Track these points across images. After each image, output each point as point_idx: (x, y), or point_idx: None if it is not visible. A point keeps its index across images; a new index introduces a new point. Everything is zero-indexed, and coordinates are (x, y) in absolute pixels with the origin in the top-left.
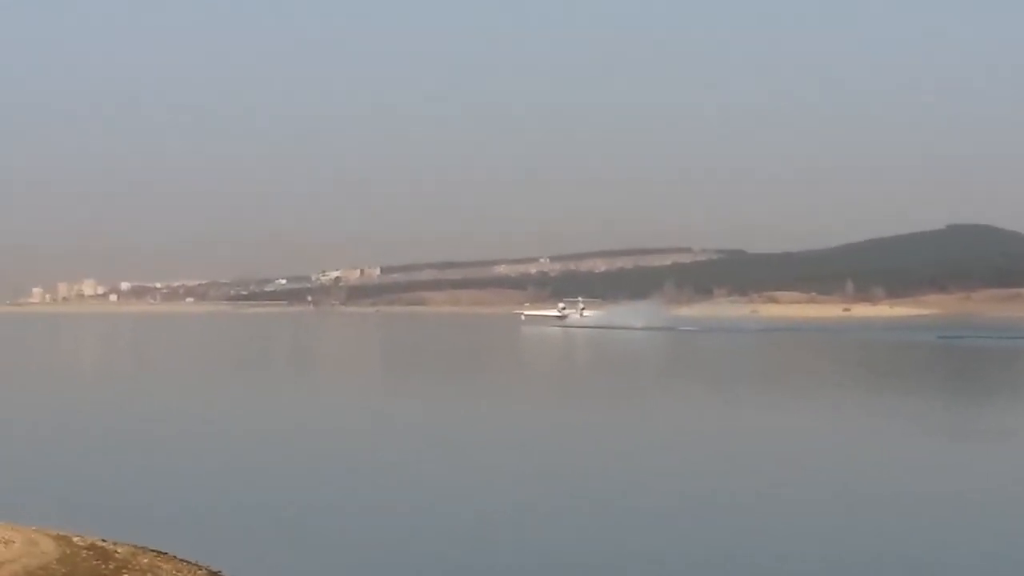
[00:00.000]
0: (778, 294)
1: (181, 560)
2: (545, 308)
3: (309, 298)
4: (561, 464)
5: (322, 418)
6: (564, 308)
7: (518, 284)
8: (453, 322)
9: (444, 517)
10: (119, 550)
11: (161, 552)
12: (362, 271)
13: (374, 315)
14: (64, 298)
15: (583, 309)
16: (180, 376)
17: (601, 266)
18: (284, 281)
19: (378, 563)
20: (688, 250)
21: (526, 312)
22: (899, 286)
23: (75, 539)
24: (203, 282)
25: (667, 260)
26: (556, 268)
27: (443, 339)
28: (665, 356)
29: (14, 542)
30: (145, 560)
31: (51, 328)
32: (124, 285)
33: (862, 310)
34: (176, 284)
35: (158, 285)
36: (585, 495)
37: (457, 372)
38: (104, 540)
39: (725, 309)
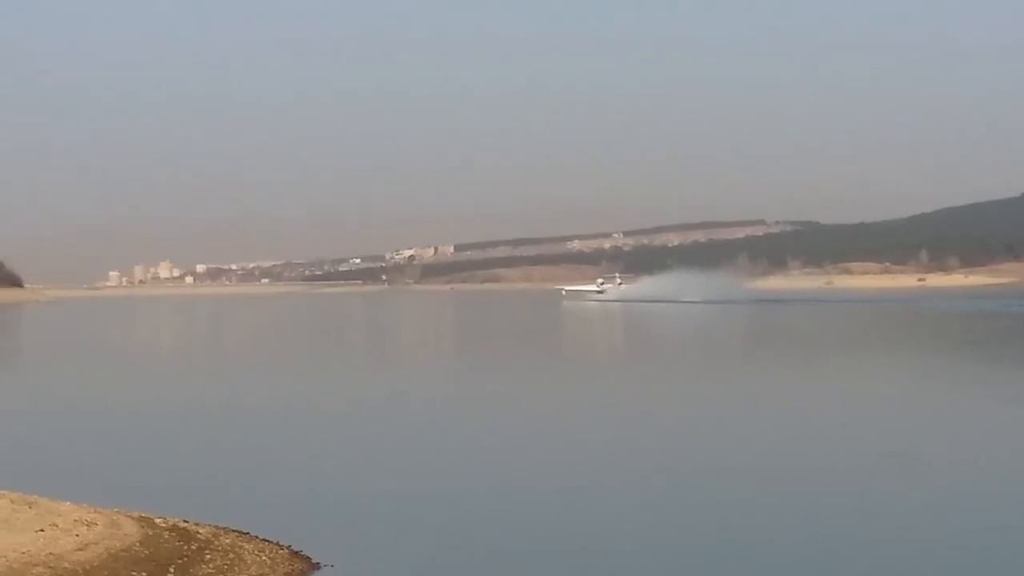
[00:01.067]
0: (852, 265)
1: (263, 540)
2: (584, 284)
3: (384, 277)
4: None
5: (387, 398)
6: (603, 283)
7: (592, 259)
8: (518, 297)
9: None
10: (201, 531)
11: (243, 532)
12: (436, 249)
13: (449, 292)
14: (141, 281)
15: (620, 284)
16: (255, 356)
17: (675, 240)
18: (359, 260)
19: (463, 545)
20: (762, 222)
21: (567, 288)
22: (974, 255)
23: (157, 520)
24: (278, 263)
25: (740, 233)
26: (629, 243)
27: (490, 313)
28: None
29: (96, 524)
30: (227, 540)
31: (128, 310)
32: (200, 267)
33: (937, 280)
34: (251, 265)
35: (233, 267)
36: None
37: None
38: (186, 521)
39: (797, 281)
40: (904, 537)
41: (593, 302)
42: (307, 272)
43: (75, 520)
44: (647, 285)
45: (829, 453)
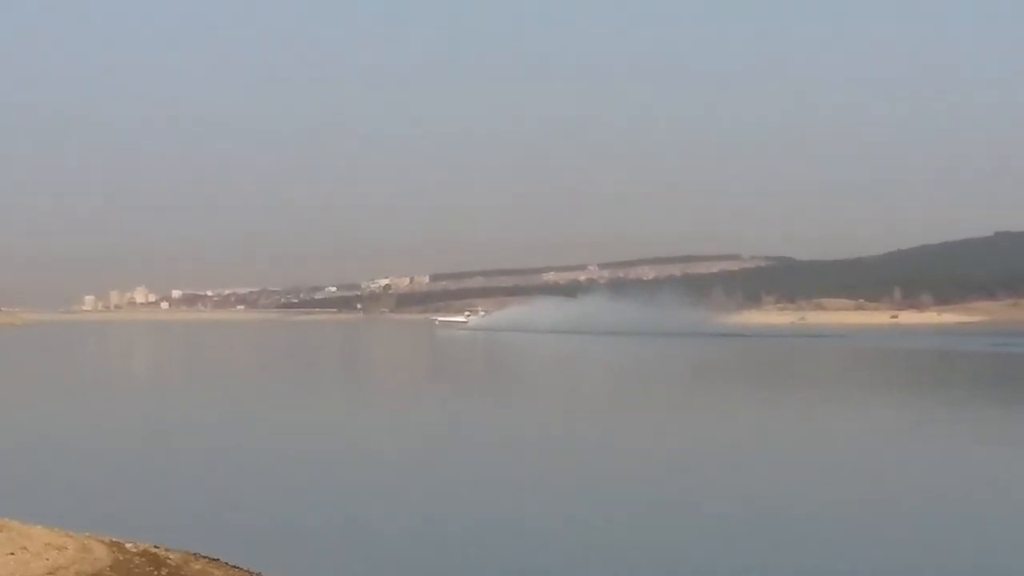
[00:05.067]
0: (826, 301)
1: (233, 567)
2: (454, 315)
3: (359, 305)
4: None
5: (361, 428)
6: (468, 314)
7: (567, 291)
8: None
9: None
10: (171, 556)
11: (213, 559)
12: (412, 278)
13: (423, 321)
14: (116, 306)
15: (482, 314)
16: (228, 383)
17: (650, 273)
18: (334, 288)
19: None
20: (737, 257)
21: (440, 319)
22: (947, 293)
23: (128, 545)
24: (254, 290)
25: (716, 268)
26: (605, 275)
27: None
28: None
29: (67, 548)
30: (198, 566)
31: (103, 334)
32: (175, 293)
33: (910, 317)
34: (227, 292)
35: (209, 293)
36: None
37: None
38: (157, 546)
39: (770, 316)
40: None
41: (460, 330)
42: (282, 299)
43: (46, 544)
44: (507, 314)
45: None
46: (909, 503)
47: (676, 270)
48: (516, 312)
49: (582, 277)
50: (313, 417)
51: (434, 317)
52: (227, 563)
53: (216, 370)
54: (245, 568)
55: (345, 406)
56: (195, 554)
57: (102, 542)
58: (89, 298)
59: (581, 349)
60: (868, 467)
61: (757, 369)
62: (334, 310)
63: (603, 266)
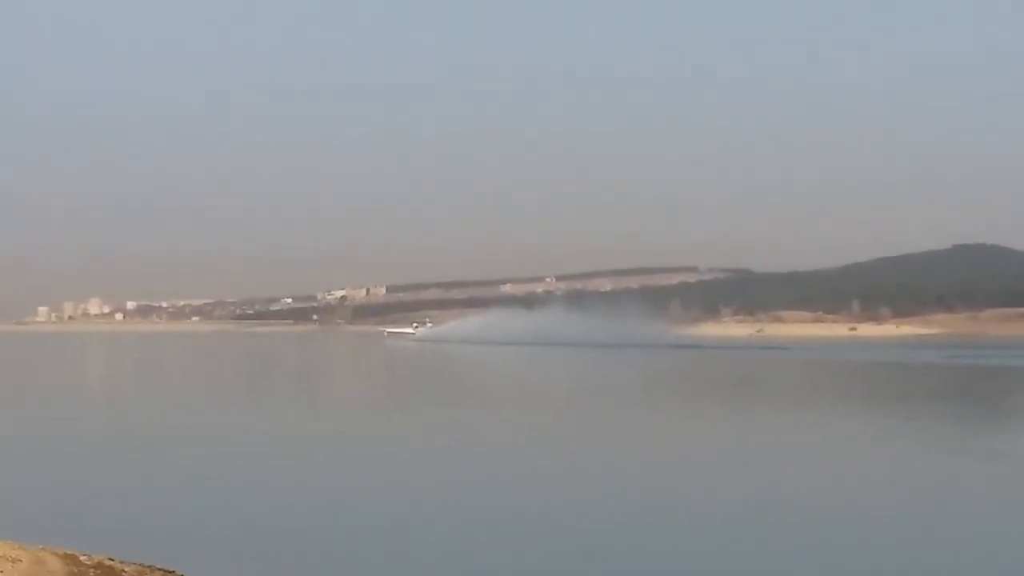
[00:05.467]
0: (784, 313)
1: None
2: (403, 326)
3: (315, 317)
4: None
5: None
6: (416, 326)
7: (525, 303)
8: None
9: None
10: (127, 569)
11: (169, 571)
12: (368, 290)
13: (376, 333)
14: (70, 317)
15: (429, 326)
16: (186, 393)
17: (607, 285)
18: (290, 300)
19: None
20: (695, 269)
21: (389, 330)
22: (905, 305)
23: (82, 558)
24: (208, 301)
25: (674, 280)
26: (562, 287)
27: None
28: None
29: (21, 560)
30: None
31: (59, 346)
32: (130, 304)
33: (868, 329)
34: (181, 303)
35: (164, 304)
36: None
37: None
38: (112, 559)
39: (729, 328)
40: None
41: (407, 341)
42: (238, 311)
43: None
44: (455, 326)
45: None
46: (857, 513)
47: (634, 282)
48: (464, 324)
49: (539, 289)
50: (254, 426)
51: (387, 329)
52: (183, 575)
53: (162, 380)
54: None
55: (280, 417)
56: (150, 566)
57: (56, 555)
58: (43, 309)
59: (523, 359)
60: (815, 478)
61: (713, 381)
62: (290, 322)
63: (561, 278)
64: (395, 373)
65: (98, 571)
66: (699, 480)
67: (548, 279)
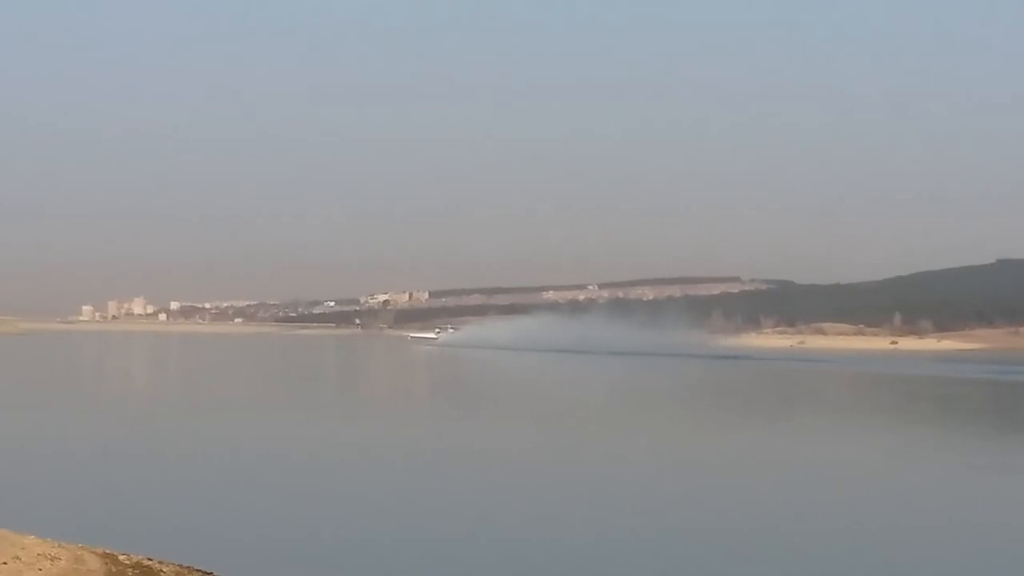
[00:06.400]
0: (825, 326)
1: None
2: (426, 331)
3: (357, 321)
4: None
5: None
6: (439, 331)
7: (566, 310)
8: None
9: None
10: (164, 569)
11: (207, 572)
12: (411, 295)
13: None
14: (114, 316)
15: (451, 331)
16: (226, 396)
17: (649, 294)
18: (333, 303)
19: None
20: (737, 279)
21: (412, 335)
22: (947, 320)
23: (121, 557)
24: (252, 303)
25: (716, 290)
26: (604, 295)
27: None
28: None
29: (60, 559)
30: None
31: (101, 345)
32: (173, 304)
33: (909, 343)
34: (225, 304)
35: (207, 305)
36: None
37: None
38: (151, 559)
39: (769, 340)
40: None
41: (430, 346)
42: (281, 313)
43: (38, 554)
44: (472, 331)
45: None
46: (890, 527)
47: (676, 291)
48: (483, 329)
49: (581, 296)
50: (297, 429)
51: (410, 334)
52: None
53: (199, 382)
54: None
55: (312, 419)
56: (189, 567)
57: (95, 554)
58: (87, 308)
59: (536, 367)
60: (854, 491)
61: (754, 392)
62: (332, 325)
63: (603, 286)
64: (409, 376)
65: (136, 571)
66: (754, 492)
67: (591, 286)
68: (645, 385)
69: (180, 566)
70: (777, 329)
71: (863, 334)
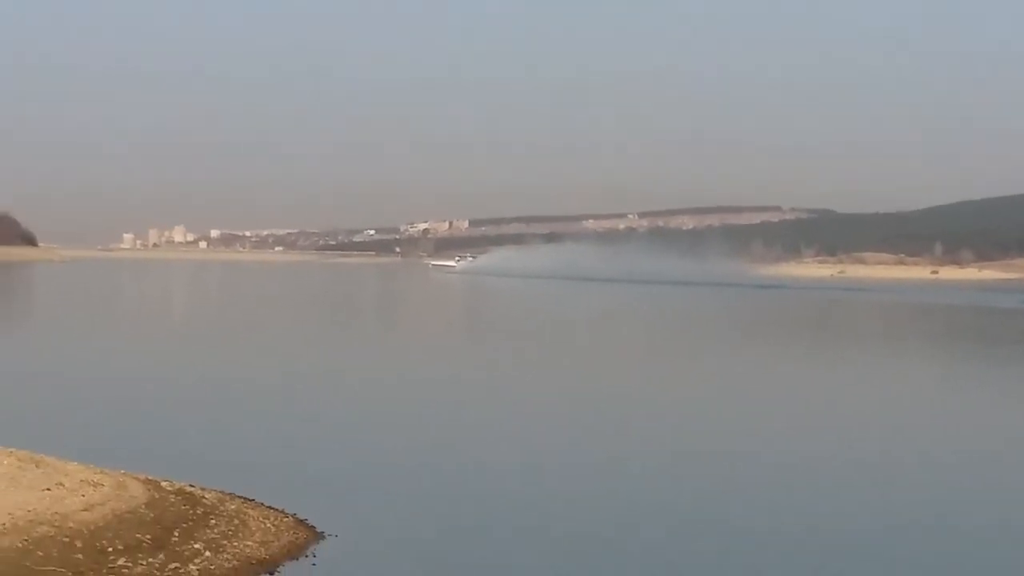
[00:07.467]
0: (866, 255)
1: (268, 507)
2: (445, 259)
3: (397, 249)
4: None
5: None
6: (459, 259)
7: (605, 239)
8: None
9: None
10: (207, 496)
11: (248, 499)
12: (451, 223)
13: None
14: (154, 244)
15: (470, 259)
16: (264, 325)
17: (689, 223)
18: (373, 232)
19: (476, 523)
20: (777, 208)
21: (432, 262)
22: (988, 249)
23: (163, 484)
24: (292, 231)
25: (756, 219)
26: (644, 224)
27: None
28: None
29: (103, 485)
30: (232, 506)
31: (141, 273)
32: (214, 232)
33: (950, 272)
34: (265, 233)
35: (247, 233)
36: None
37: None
38: (192, 485)
39: (809, 269)
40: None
41: (449, 274)
42: (320, 242)
43: (81, 480)
44: (490, 259)
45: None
46: (926, 458)
47: (716, 220)
48: (503, 258)
49: (621, 225)
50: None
51: (431, 262)
52: (262, 503)
53: (228, 314)
54: (280, 508)
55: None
56: (230, 494)
57: (138, 480)
58: (127, 236)
59: (548, 294)
60: (898, 422)
61: (797, 321)
62: (372, 253)
63: (642, 215)
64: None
65: (178, 497)
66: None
67: (630, 215)
68: (690, 318)
69: (222, 492)
70: (817, 258)
71: (903, 263)
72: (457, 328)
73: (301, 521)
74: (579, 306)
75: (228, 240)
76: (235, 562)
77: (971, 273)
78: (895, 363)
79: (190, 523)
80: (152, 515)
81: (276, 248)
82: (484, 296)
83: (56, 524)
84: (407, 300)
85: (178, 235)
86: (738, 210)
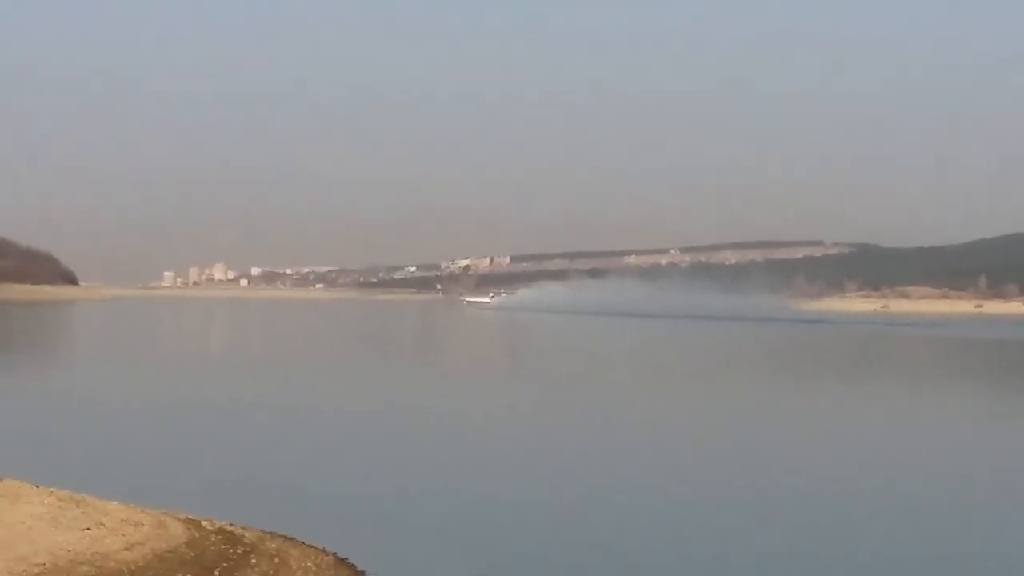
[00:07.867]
0: (909, 289)
1: (309, 546)
2: (480, 296)
3: (438, 286)
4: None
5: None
6: (493, 296)
7: (648, 275)
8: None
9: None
10: (247, 535)
11: (289, 538)
12: (492, 260)
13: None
14: (195, 282)
15: (504, 295)
16: (306, 361)
17: (731, 258)
18: (414, 268)
19: (523, 562)
20: (820, 243)
21: (467, 299)
22: None
23: (204, 523)
24: (333, 268)
25: (799, 253)
26: (686, 259)
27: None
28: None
29: (143, 524)
30: (273, 545)
31: (184, 312)
32: (254, 270)
33: (995, 307)
34: (306, 270)
35: (288, 271)
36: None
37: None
38: (233, 524)
39: (852, 304)
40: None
41: (484, 310)
42: (361, 279)
43: (122, 520)
44: (527, 295)
45: None
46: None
47: (758, 255)
48: (534, 293)
49: (663, 261)
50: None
51: (466, 298)
52: (303, 542)
53: (279, 349)
54: (321, 547)
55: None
56: (271, 532)
57: (178, 519)
58: (168, 274)
59: (589, 330)
60: (942, 459)
61: (839, 357)
62: (413, 290)
63: (684, 250)
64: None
65: (219, 536)
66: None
67: (672, 250)
68: (735, 354)
69: (263, 531)
70: (860, 293)
71: (947, 297)
72: (500, 365)
73: (342, 560)
74: (613, 342)
75: (269, 278)
76: None
77: (1016, 307)
78: (941, 398)
79: (231, 562)
80: (193, 554)
81: (317, 285)
82: (519, 332)
83: (97, 564)
84: (434, 336)
85: (219, 273)
86: (780, 244)
